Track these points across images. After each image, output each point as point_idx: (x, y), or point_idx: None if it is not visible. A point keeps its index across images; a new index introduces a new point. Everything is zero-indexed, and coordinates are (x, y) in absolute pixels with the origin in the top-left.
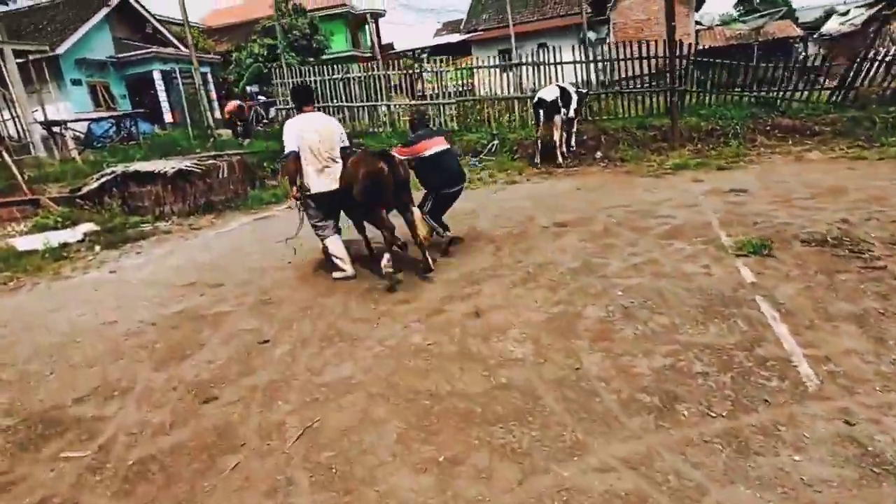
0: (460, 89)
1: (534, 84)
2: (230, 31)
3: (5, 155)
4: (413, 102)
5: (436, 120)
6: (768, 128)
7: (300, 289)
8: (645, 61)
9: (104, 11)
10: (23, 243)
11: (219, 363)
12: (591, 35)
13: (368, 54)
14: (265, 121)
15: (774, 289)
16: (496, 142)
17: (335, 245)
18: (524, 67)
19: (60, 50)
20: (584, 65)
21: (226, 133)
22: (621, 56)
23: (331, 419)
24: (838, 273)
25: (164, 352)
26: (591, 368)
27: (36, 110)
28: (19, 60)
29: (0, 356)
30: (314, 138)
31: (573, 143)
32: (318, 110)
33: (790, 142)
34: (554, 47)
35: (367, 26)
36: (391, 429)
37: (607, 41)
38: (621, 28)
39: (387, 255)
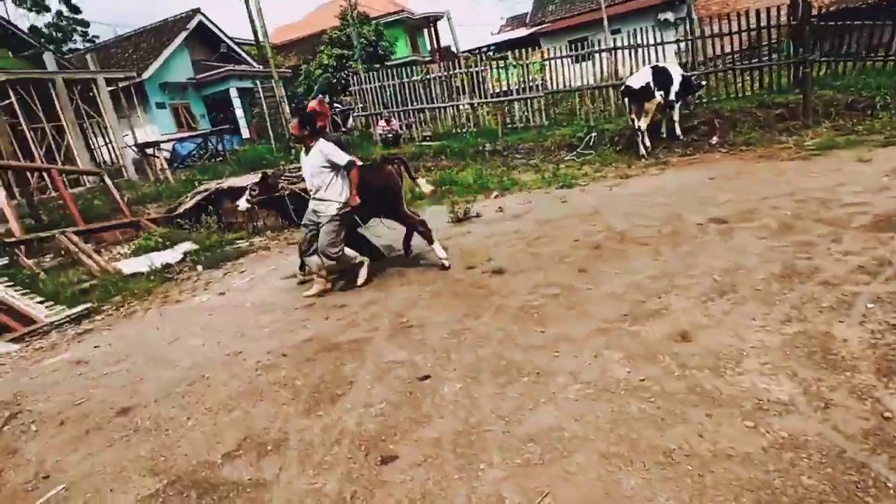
0: (528, 85)
1: (631, 69)
2: (295, 46)
3: (107, 179)
4: (495, 99)
5: (523, 115)
6: None
7: (437, 308)
8: (739, 36)
9: (183, 35)
10: (128, 266)
11: (380, 407)
12: (669, 15)
13: (428, 58)
14: (343, 130)
15: None
16: (594, 134)
17: (347, 249)
18: (606, 54)
19: (146, 75)
20: (679, 44)
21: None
22: (720, 31)
23: (564, 493)
24: None
25: (309, 391)
26: None
27: (126, 135)
28: (110, 88)
29: (130, 396)
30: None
31: (678, 130)
32: (396, 115)
33: None
34: (633, 30)
35: (425, 30)
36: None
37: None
38: (703, 5)
39: (438, 247)
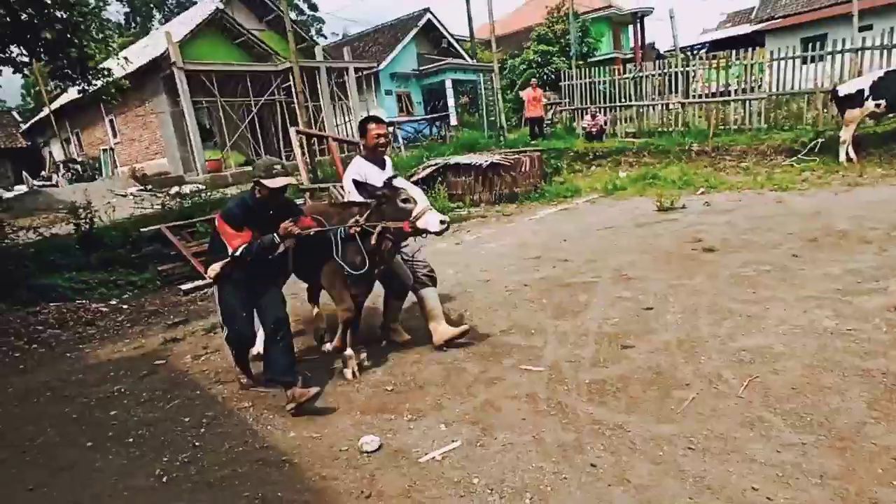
0: (750, 85)
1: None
2: (501, 41)
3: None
4: (709, 100)
5: (739, 117)
6: None
7: (653, 269)
8: None
9: (413, 31)
10: None
11: (614, 321)
12: None
13: (630, 55)
14: (547, 122)
15: None
16: (821, 140)
17: None
18: (849, 54)
19: (382, 66)
20: None
21: (514, 134)
22: None
23: (771, 379)
24: None
25: (554, 307)
26: None
27: (363, 115)
28: (356, 76)
29: None
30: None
31: None
32: (602, 111)
33: None
34: (888, 29)
35: (629, 27)
36: (854, 395)
37: None
38: None
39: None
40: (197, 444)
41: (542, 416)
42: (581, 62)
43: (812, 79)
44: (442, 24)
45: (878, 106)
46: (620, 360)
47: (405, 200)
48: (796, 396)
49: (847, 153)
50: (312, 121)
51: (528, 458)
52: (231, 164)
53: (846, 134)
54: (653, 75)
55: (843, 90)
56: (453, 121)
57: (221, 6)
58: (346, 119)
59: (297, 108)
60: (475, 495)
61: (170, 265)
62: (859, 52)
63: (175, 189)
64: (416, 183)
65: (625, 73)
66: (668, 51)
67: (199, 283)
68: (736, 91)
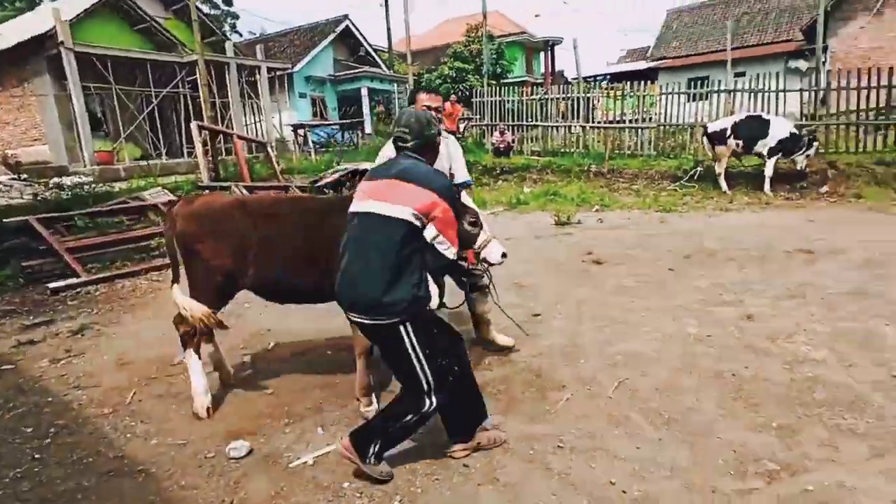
0: (641, 116)
1: (750, 110)
2: (419, 56)
3: (270, 150)
4: (607, 125)
5: (632, 143)
6: None
7: (547, 277)
8: (876, 92)
9: (331, 36)
10: None
11: (502, 326)
12: (801, 64)
13: (539, 80)
14: (458, 136)
15: None
16: (700, 169)
17: None
18: (725, 95)
19: (297, 68)
20: (803, 93)
21: None
22: (850, 85)
23: (640, 381)
24: None
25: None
26: None
27: (274, 116)
28: (269, 76)
29: None
30: None
31: (767, 187)
32: (511, 129)
33: None
34: (756, 75)
35: (541, 53)
36: (707, 395)
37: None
38: (841, 57)
39: None
40: (38, 456)
41: None
42: (494, 82)
43: (694, 113)
44: (360, 33)
45: (737, 145)
46: (504, 364)
47: (473, 223)
48: (659, 396)
49: (721, 183)
50: (219, 118)
51: (401, 460)
52: (125, 156)
53: (719, 167)
54: (557, 98)
55: (711, 127)
56: (368, 128)
57: None
58: (257, 119)
59: (202, 102)
60: (343, 499)
61: (38, 261)
62: (732, 94)
63: (56, 180)
64: (323, 188)
65: (533, 94)
66: (574, 78)
67: (73, 280)
68: (631, 119)
